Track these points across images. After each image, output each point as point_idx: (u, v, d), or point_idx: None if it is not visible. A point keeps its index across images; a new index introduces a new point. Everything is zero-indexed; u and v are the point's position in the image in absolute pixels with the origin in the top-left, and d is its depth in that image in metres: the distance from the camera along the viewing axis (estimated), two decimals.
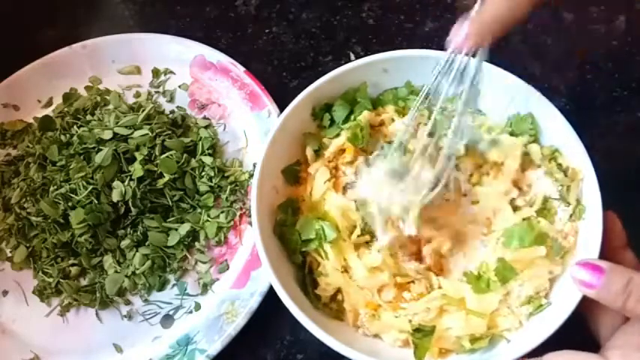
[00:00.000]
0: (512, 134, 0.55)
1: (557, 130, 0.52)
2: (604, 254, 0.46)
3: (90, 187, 0.60)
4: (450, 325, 0.48)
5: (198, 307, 0.60)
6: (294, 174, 0.57)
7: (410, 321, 0.49)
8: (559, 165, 0.52)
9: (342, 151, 0.56)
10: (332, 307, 0.52)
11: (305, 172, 0.57)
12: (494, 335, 0.48)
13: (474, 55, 0.46)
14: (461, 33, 0.45)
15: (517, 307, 0.48)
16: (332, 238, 0.50)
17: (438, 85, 0.48)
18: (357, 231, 0.52)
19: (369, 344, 0.50)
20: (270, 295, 0.56)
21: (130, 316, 0.60)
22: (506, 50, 0.72)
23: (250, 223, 0.63)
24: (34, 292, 0.62)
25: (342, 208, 0.53)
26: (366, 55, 0.58)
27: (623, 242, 0.48)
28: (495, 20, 0.44)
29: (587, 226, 0.49)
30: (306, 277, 0.53)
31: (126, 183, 0.61)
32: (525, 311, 0.48)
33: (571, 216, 0.50)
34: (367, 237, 0.52)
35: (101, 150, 0.62)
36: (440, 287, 0.50)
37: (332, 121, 0.58)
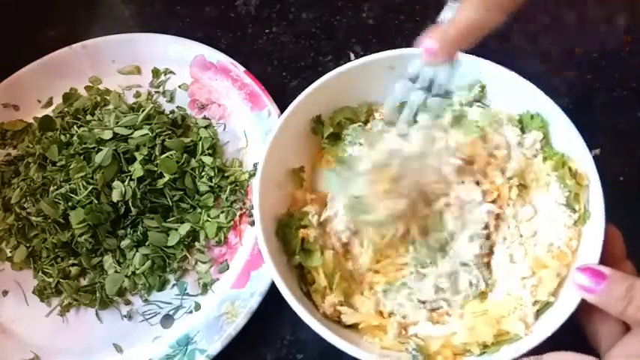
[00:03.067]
0: (522, 130, 0.55)
1: (564, 134, 0.52)
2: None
3: (90, 187, 0.60)
4: (455, 330, 0.48)
5: (198, 307, 0.60)
6: (299, 180, 0.57)
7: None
8: (569, 169, 0.52)
9: None
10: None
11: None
12: (505, 341, 0.48)
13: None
14: (430, 45, 0.43)
15: (527, 307, 0.48)
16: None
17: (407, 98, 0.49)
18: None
19: (372, 342, 0.50)
20: (270, 295, 0.56)
21: (130, 316, 0.60)
22: (506, 50, 0.72)
23: (250, 223, 0.63)
24: (34, 292, 0.62)
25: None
26: (365, 55, 0.58)
27: (623, 254, 0.48)
28: (468, 30, 0.42)
29: (590, 231, 0.49)
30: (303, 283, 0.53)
31: (126, 183, 0.61)
32: (533, 311, 0.48)
33: (575, 222, 0.50)
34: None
35: (101, 150, 0.61)
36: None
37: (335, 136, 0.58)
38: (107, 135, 0.63)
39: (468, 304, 0.50)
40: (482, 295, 0.51)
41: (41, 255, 0.62)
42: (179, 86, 0.73)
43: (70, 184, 0.61)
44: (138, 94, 0.73)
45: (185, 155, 0.65)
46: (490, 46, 0.72)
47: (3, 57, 0.75)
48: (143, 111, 0.66)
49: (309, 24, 0.78)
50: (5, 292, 0.63)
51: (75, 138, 0.64)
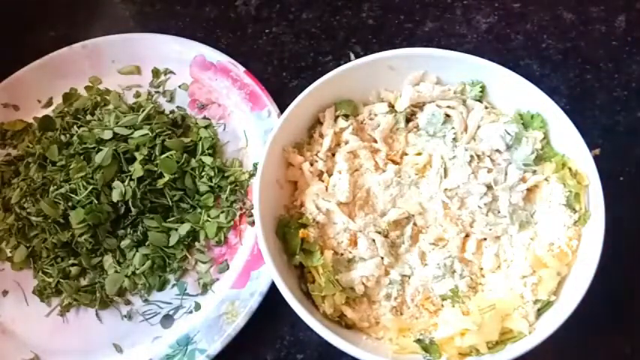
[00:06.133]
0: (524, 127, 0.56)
1: (564, 134, 0.52)
2: None
3: (90, 187, 0.60)
4: (466, 326, 0.48)
5: (198, 307, 0.60)
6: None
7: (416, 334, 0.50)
8: (569, 169, 0.52)
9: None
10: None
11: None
12: (509, 340, 0.48)
13: None
14: None
15: (528, 305, 0.49)
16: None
17: None
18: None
19: (372, 343, 0.50)
20: (270, 295, 0.56)
21: (130, 316, 0.60)
22: (506, 50, 0.73)
23: (250, 223, 0.63)
24: (34, 292, 0.62)
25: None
26: (365, 55, 0.58)
27: None
28: None
29: (590, 231, 0.49)
30: (302, 283, 0.53)
31: (126, 183, 0.61)
32: (534, 309, 0.48)
33: (576, 222, 0.51)
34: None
35: (101, 150, 0.62)
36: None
37: None
38: (107, 135, 0.63)
39: (472, 299, 0.50)
40: (474, 289, 0.51)
41: (41, 255, 0.62)
42: (179, 86, 0.73)
43: (70, 184, 0.61)
44: (138, 94, 0.73)
45: (185, 155, 0.65)
46: (491, 46, 0.73)
47: (3, 57, 0.75)
48: (143, 111, 0.66)
49: (309, 24, 0.78)
50: (5, 292, 0.63)
51: (75, 138, 0.64)
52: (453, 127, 0.56)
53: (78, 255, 0.61)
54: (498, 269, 0.52)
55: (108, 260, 0.61)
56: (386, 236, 0.53)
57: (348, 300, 0.51)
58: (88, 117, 0.68)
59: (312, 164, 0.56)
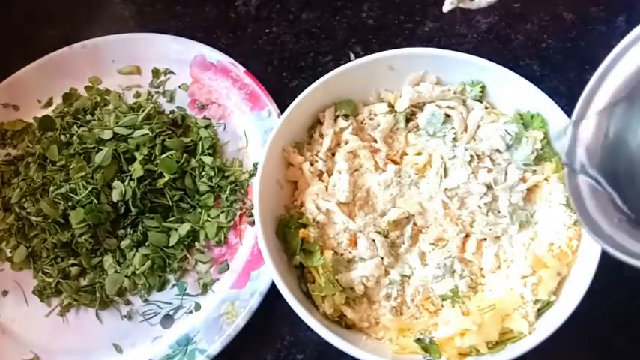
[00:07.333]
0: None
1: (564, 134, 0.52)
2: None
3: (90, 187, 0.60)
4: (466, 326, 0.48)
5: (198, 307, 0.60)
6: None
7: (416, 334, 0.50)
8: None
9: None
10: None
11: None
12: (509, 340, 0.48)
13: None
14: None
15: (528, 305, 0.49)
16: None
17: None
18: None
19: (372, 343, 0.50)
20: (270, 295, 0.56)
21: (130, 316, 0.60)
22: (506, 50, 0.73)
23: (250, 223, 0.63)
24: (34, 292, 0.62)
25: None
26: (365, 55, 0.58)
27: None
28: None
29: None
30: (302, 283, 0.53)
31: (126, 183, 0.61)
32: (534, 309, 0.48)
33: (576, 222, 0.51)
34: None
35: (101, 150, 0.62)
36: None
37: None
38: (107, 135, 0.63)
39: (472, 299, 0.50)
40: (474, 289, 0.51)
41: (41, 255, 0.62)
42: (179, 86, 0.73)
43: (70, 184, 0.61)
44: (138, 94, 0.73)
45: (185, 155, 0.65)
46: (491, 46, 0.73)
47: (3, 57, 0.75)
48: (143, 111, 0.66)
49: (309, 24, 0.78)
50: (5, 292, 0.63)
51: (75, 138, 0.64)
52: (453, 127, 0.56)
53: (78, 255, 0.61)
54: (498, 269, 0.52)
55: (108, 260, 0.61)
56: (386, 236, 0.53)
57: (348, 300, 0.51)
58: (88, 117, 0.68)
59: (312, 164, 0.56)
